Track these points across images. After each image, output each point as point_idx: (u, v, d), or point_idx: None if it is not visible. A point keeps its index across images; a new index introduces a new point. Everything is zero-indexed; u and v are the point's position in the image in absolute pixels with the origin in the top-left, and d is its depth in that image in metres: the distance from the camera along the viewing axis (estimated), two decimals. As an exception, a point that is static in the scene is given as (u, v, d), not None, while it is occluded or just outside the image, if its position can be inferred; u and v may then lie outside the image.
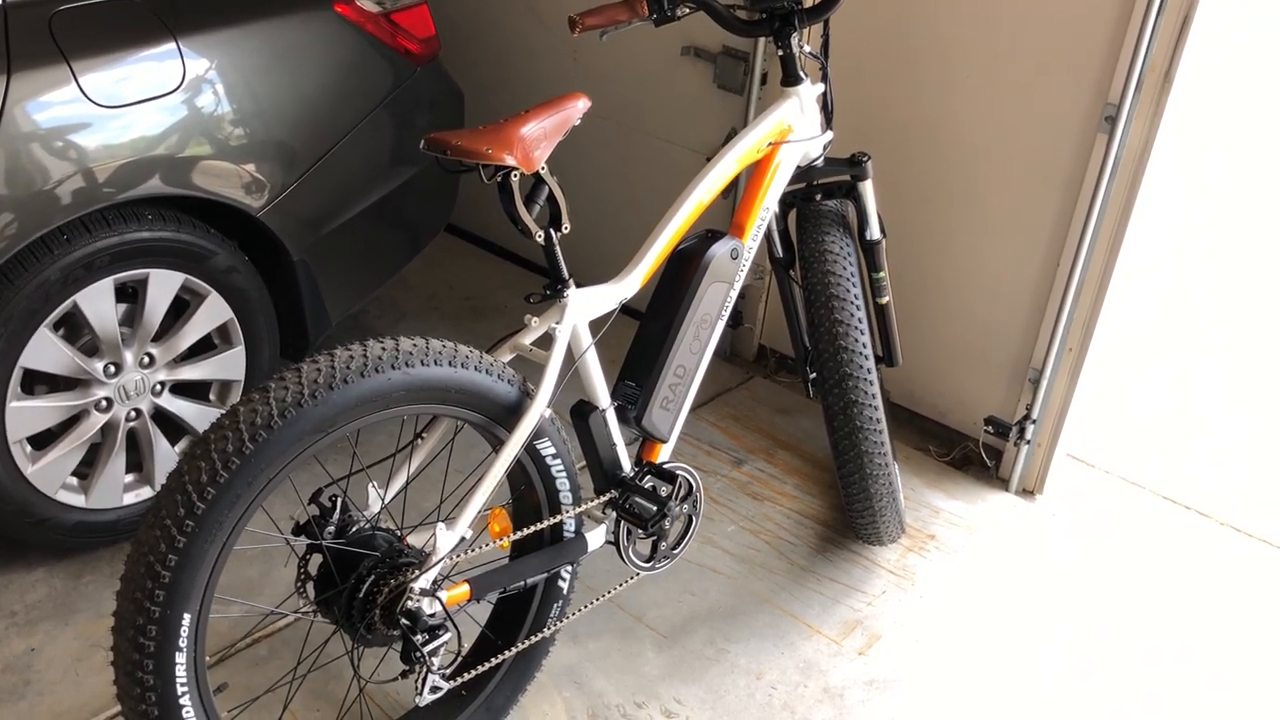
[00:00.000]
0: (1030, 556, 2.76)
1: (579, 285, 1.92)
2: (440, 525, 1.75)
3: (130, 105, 2.17)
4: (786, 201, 2.44)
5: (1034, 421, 2.91)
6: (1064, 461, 3.03)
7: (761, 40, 3.06)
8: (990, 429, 3.00)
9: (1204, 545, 2.87)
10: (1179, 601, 2.65)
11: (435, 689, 1.78)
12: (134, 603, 1.54)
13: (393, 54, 2.72)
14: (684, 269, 2.09)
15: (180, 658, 1.58)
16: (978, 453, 3.07)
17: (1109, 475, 3.11)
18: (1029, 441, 2.94)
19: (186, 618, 1.56)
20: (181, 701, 1.60)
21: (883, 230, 2.48)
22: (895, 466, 2.59)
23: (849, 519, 2.64)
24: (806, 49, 2.28)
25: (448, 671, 1.85)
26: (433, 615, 1.75)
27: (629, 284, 2.01)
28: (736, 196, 2.93)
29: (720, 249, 2.09)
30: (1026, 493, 3.00)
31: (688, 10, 2.19)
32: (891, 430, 2.56)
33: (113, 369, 2.31)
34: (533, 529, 1.96)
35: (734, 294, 2.15)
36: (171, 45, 2.24)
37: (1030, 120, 2.72)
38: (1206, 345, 3.87)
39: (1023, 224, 2.82)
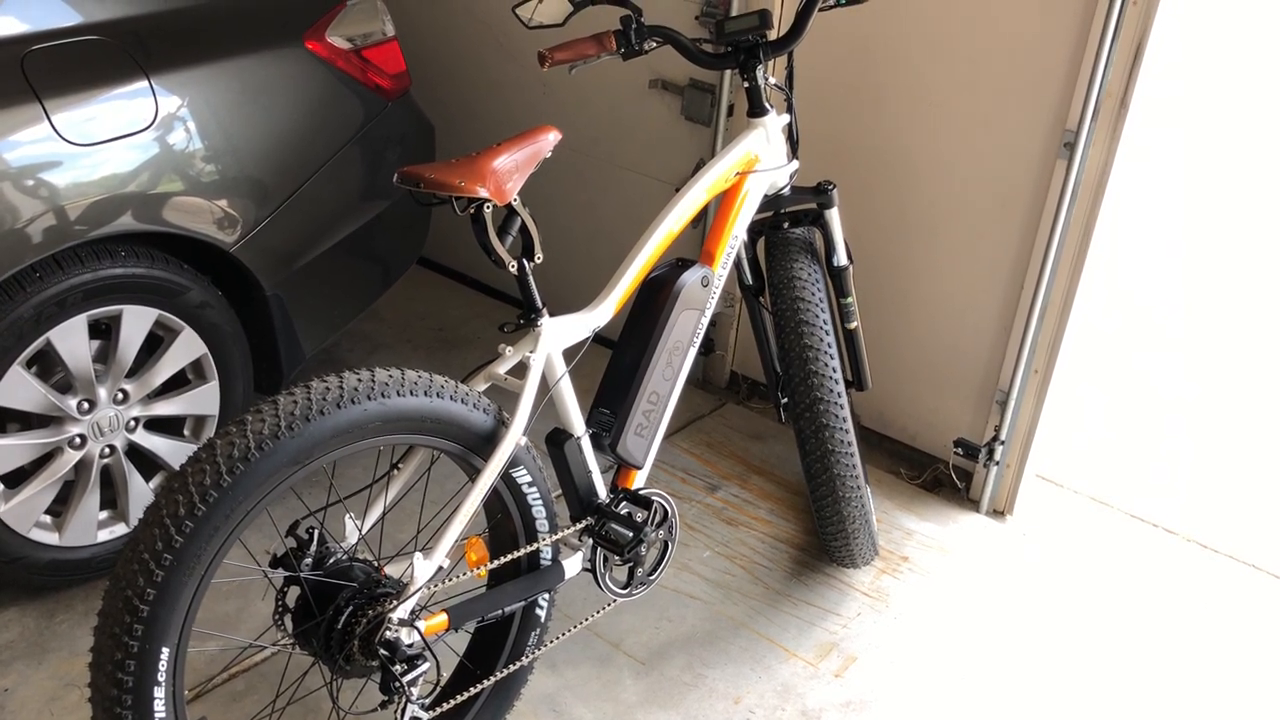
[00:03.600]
0: (1002, 576, 2.79)
1: (552, 314, 1.94)
2: (418, 555, 1.77)
3: (103, 143, 2.18)
4: (755, 230, 2.48)
5: (1002, 443, 2.95)
6: (1033, 482, 3.08)
7: (728, 73, 3.11)
8: (960, 451, 3.04)
9: (1172, 562, 2.91)
10: (1149, 618, 2.69)
11: (415, 719, 1.78)
12: (112, 638, 1.54)
13: (364, 90, 2.74)
14: (655, 297, 2.12)
15: (159, 692, 1.57)
16: (948, 474, 3.11)
17: (1078, 495, 3.15)
18: (998, 463, 2.98)
19: (165, 652, 1.56)
20: (160, 737, 1.59)
21: (850, 257, 2.52)
22: (867, 489, 2.62)
23: (823, 542, 2.66)
24: (771, 81, 2.32)
25: (427, 701, 1.86)
26: (411, 645, 1.76)
27: (601, 312, 2.04)
28: (706, 226, 2.97)
29: (691, 277, 2.12)
30: (997, 513, 3.04)
31: (655, 44, 2.23)
32: (863, 454, 2.59)
33: (86, 406, 2.30)
34: (510, 557, 1.97)
35: (705, 321, 2.18)
36: (144, 83, 2.25)
37: (991, 147, 2.78)
38: (1171, 364, 3.94)
39: (986, 249, 2.87)
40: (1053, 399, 2.90)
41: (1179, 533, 3.02)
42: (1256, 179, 4.61)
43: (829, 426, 2.40)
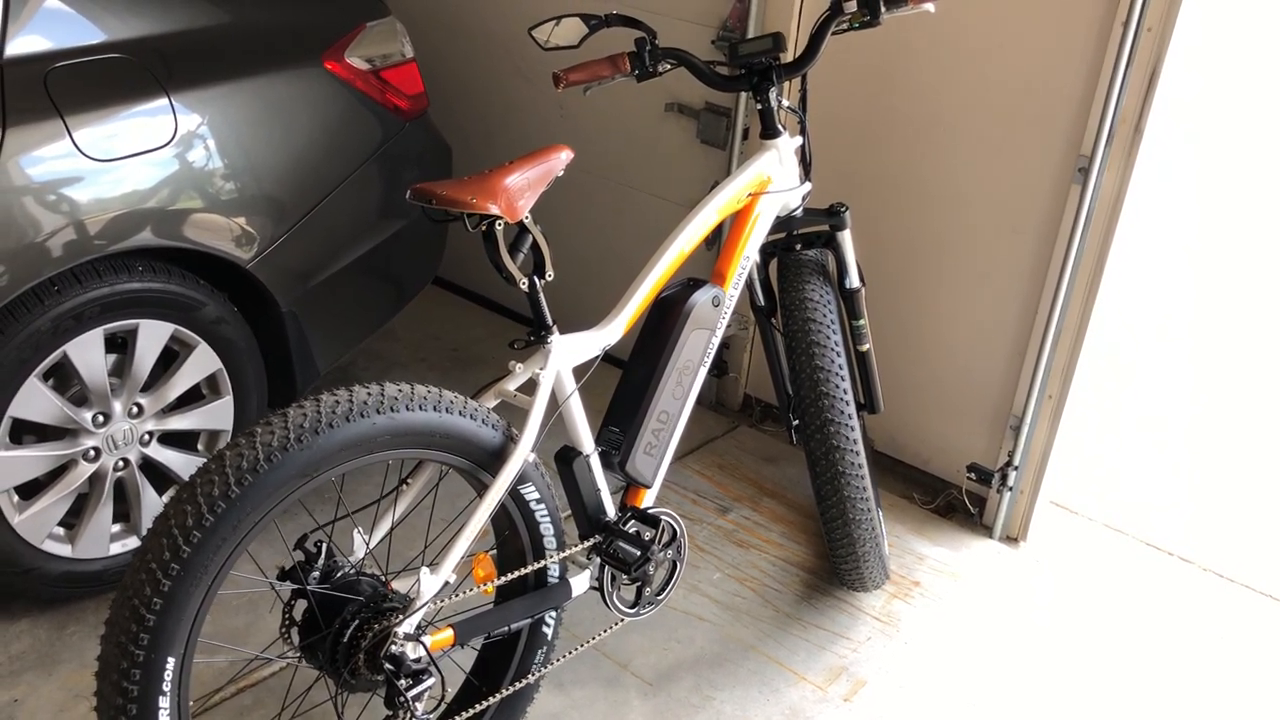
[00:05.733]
0: (1014, 603, 2.77)
1: (563, 332, 1.95)
2: (424, 570, 1.77)
3: (123, 159, 2.21)
4: (767, 251, 2.48)
5: (1016, 468, 2.94)
6: (1047, 508, 3.06)
7: (743, 96, 3.13)
8: (973, 476, 3.03)
9: (1186, 591, 2.88)
10: (1163, 647, 2.66)
11: (419, 734, 1.78)
12: (118, 647, 1.54)
13: (382, 110, 2.77)
14: (666, 316, 2.12)
15: (164, 702, 1.58)
16: (961, 500, 3.09)
17: (1092, 522, 3.13)
18: (1011, 488, 2.96)
19: (170, 662, 1.57)
20: (165, 748, 1.60)
21: (862, 279, 2.52)
22: (879, 513, 2.61)
23: (833, 565, 2.65)
24: (785, 103, 2.33)
25: (432, 717, 1.85)
26: (417, 660, 1.76)
27: (612, 331, 2.04)
28: (719, 246, 2.98)
29: (702, 297, 2.13)
30: (1010, 540, 3.02)
31: (669, 66, 2.25)
32: (874, 477, 2.58)
33: (101, 419, 2.32)
34: (517, 574, 1.97)
35: (716, 341, 2.19)
36: (164, 101, 2.29)
37: (1005, 171, 2.78)
38: (1187, 391, 3.91)
39: (1000, 273, 2.87)
40: (1067, 425, 2.88)
41: (1194, 561, 2.99)
42: (1269, 207, 4.58)
43: (839, 448, 2.39)
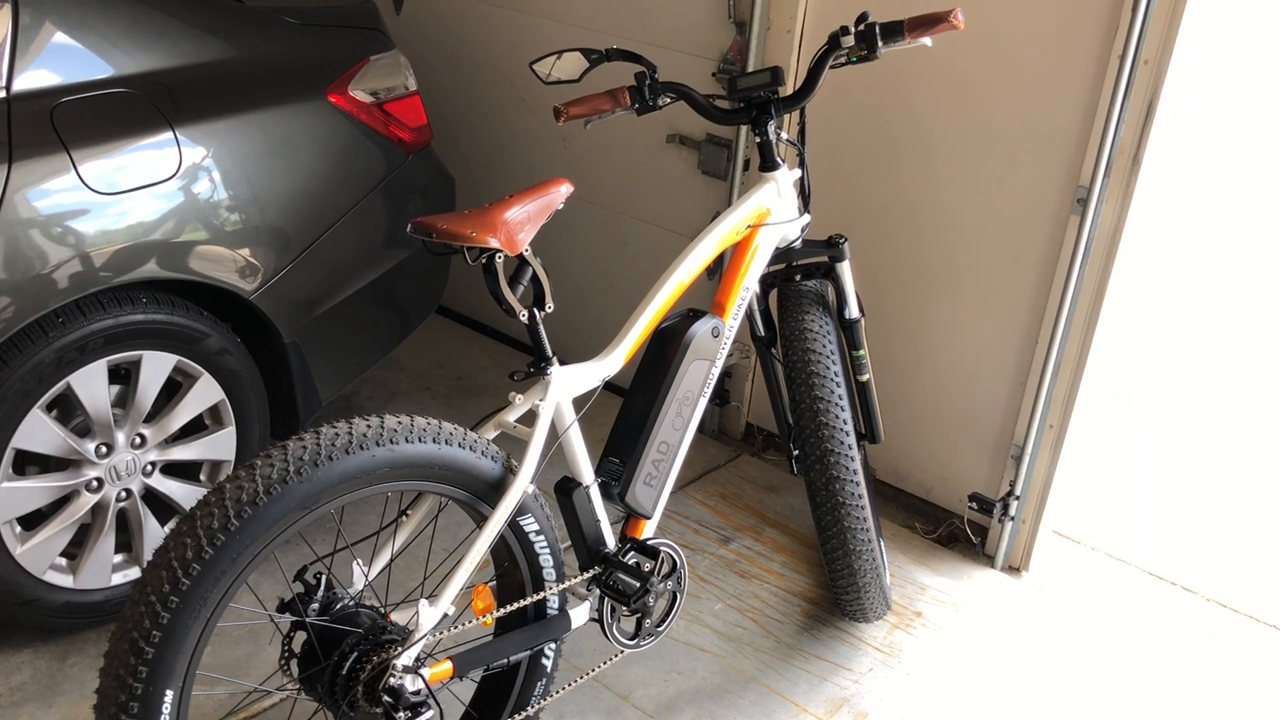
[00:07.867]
0: (1017, 634, 2.76)
1: (563, 363, 1.96)
2: (423, 602, 1.77)
3: (128, 192, 2.23)
4: (767, 282, 2.50)
5: (1018, 498, 2.93)
6: (1049, 538, 3.05)
7: (744, 127, 3.15)
8: (975, 506, 3.02)
9: (1190, 621, 2.87)
10: (1166, 678, 2.65)
11: (417, 767, 1.78)
12: (117, 680, 1.55)
13: (385, 142, 2.79)
14: (666, 347, 2.13)
15: (162, 735, 1.58)
16: (963, 529, 3.09)
17: (1094, 551, 3.12)
18: (1013, 518, 2.96)
19: (169, 694, 1.57)
20: (163, 781, 1.60)
21: (861, 309, 2.53)
22: (880, 543, 2.61)
23: (834, 595, 2.65)
24: (784, 136, 2.35)
25: (430, 750, 1.85)
26: (415, 692, 1.75)
27: (612, 362, 2.05)
28: (719, 277, 2.99)
29: (701, 328, 2.14)
30: (1013, 569, 3.01)
31: (669, 100, 2.27)
32: (876, 507, 2.58)
33: (104, 449, 2.33)
34: (516, 605, 1.97)
35: (716, 371, 2.19)
36: (169, 134, 2.31)
37: (1005, 203, 2.80)
38: (1187, 420, 3.91)
39: (1000, 303, 2.88)
40: (1068, 454, 2.88)
41: (1198, 591, 2.98)
42: (1268, 235, 4.60)
43: (839, 479, 2.40)
